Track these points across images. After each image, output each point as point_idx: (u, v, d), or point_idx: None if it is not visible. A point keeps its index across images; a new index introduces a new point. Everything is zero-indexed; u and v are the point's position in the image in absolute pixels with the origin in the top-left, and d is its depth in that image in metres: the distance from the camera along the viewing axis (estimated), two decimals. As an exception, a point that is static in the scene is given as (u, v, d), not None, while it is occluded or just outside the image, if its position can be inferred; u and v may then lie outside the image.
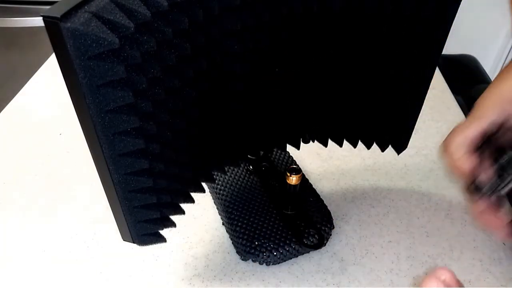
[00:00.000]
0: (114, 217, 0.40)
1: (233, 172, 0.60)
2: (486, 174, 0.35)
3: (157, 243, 0.44)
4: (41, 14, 0.26)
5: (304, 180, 0.60)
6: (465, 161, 0.36)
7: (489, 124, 0.36)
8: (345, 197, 0.60)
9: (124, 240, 0.43)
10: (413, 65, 0.45)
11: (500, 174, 0.35)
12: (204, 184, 0.49)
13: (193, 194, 0.47)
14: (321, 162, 0.66)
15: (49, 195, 0.61)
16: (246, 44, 0.40)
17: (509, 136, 0.36)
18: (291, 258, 0.52)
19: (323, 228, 0.53)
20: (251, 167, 0.61)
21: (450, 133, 0.38)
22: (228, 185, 0.58)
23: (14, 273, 0.51)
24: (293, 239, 0.51)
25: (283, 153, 0.63)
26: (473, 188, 0.36)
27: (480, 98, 0.38)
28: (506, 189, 0.34)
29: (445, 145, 0.38)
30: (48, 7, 0.27)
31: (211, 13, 0.36)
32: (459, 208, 0.58)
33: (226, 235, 0.55)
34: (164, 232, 0.44)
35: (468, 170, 0.36)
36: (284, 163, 0.62)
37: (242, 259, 0.52)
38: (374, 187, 0.62)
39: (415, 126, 0.50)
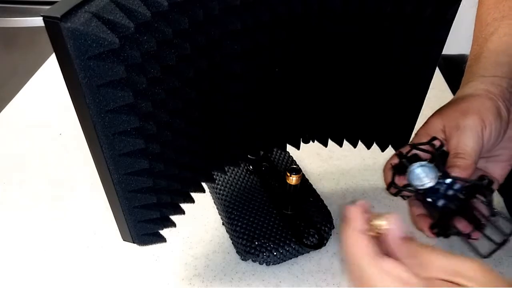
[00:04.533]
0: (114, 217, 0.40)
1: (233, 172, 0.60)
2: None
3: (157, 243, 0.44)
4: (41, 14, 0.26)
5: (304, 180, 0.60)
6: (389, 175, 0.46)
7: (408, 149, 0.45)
8: (345, 197, 0.60)
9: (124, 240, 0.43)
10: (413, 65, 0.45)
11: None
12: (204, 184, 0.49)
13: (193, 194, 0.47)
14: (321, 162, 0.66)
15: (49, 195, 0.61)
16: (246, 44, 0.40)
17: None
18: (291, 258, 0.52)
19: (323, 228, 0.53)
20: (251, 167, 0.61)
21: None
22: (228, 185, 0.58)
23: (14, 273, 0.51)
24: (293, 239, 0.51)
25: (283, 153, 0.63)
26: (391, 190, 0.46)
27: (425, 122, 0.47)
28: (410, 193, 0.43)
29: (385, 165, 0.48)
30: (48, 7, 0.27)
31: (211, 13, 0.36)
32: (459, 208, 0.58)
33: (226, 235, 0.55)
34: (164, 232, 0.44)
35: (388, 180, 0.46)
36: (284, 163, 0.62)
37: (242, 259, 0.52)
38: (374, 187, 0.62)
39: (415, 126, 0.50)
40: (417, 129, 0.49)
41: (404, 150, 0.46)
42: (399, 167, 0.45)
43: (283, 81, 0.46)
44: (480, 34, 0.50)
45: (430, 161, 0.44)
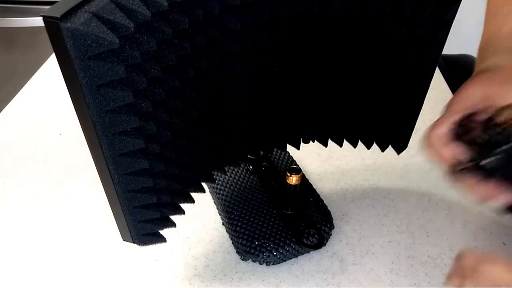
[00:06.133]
0: (114, 217, 0.40)
1: (233, 172, 0.60)
2: (466, 155, 0.40)
3: (157, 243, 0.44)
4: (41, 14, 0.26)
5: (304, 180, 0.60)
6: (447, 149, 0.41)
7: (463, 115, 0.41)
8: (345, 197, 0.60)
9: (124, 240, 0.43)
10: (413, 65, 0.45)
11: (480, 151, 0.39)
12: (204, 184, 0.49)
13: (193, 194, 0.47)
14: (321, 162, 0.66)
15: (49, 195, 0.61)
16: (246, 44, 0.40)
17: (480, 124, 0.40)
18: (291, 258, 0.52)
19: (323, 228, 0.53)
20: (251, 167, 0.61)
21: (430, 126, 0.42)
22: (228, 185, 0.58)
23: (14, 273, 0.51)
24: (293, 239, 0.51)
25: (283, 153, 0.63)
26: (458, 168, 0.40)
27: (457, 92, 0.43)
28: (487, 163, 0.38)
29: (427, 138, 0.42)
30: (48, 7, 0.27)
31: (211, 13, 0.36)
32: (459, 208, 0.58)
33: (226, 235, 0.55)
34: (164, 232, 0.44)
35: (450, 156, 0.40)
36: (284, 163, 0.62)
37: (242, 259, 0.52)
38: (374, 187, 0.62)
39: (415, 126, 0.50)
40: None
41: (455, 118, 0.41)
42: (482, 145, 0.39)
43: (283, 81, 0.46)
44: (495, 17, 0.49)
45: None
